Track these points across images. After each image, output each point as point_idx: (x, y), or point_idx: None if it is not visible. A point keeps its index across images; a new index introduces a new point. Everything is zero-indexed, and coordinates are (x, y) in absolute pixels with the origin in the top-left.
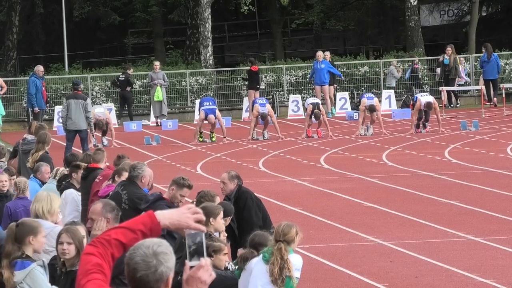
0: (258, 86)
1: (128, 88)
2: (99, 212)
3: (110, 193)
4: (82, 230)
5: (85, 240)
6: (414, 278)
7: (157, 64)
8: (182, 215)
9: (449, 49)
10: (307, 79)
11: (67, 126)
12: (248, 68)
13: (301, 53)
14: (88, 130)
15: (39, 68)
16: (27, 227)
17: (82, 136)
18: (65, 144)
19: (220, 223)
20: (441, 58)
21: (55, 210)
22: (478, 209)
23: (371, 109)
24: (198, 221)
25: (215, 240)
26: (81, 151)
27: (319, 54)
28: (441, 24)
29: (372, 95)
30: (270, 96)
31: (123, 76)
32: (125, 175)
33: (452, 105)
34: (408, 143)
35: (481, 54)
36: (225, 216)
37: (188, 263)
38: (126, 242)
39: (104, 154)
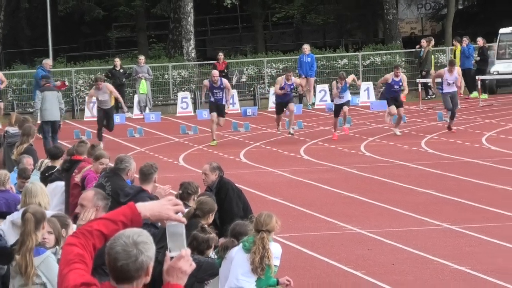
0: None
1: (124, 80)
2: (90, 199)
3: (94, 183)
4: (68, 219)
5: (68, 230)
6: (391, 266)
7: (142, 58)
8: (163, 206)
9: (423, 42)
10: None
11: (44, 117)
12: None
13: (282, 46)
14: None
15: (48, 62)
16: (40, 215)
17: (55, 128)
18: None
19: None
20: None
21: (49, 202)
22: (453, 198)
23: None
24: (179, 212)
25: (209, 232)
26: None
27: (305, 47)
28: (419, 17)
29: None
30: (252, 89)
31: (120, 68)
32: (104, 161)
33: (428, 97)
34: (385, 134)
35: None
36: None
37: (169, 254)
38: (108, 233)
39: (87, 146)
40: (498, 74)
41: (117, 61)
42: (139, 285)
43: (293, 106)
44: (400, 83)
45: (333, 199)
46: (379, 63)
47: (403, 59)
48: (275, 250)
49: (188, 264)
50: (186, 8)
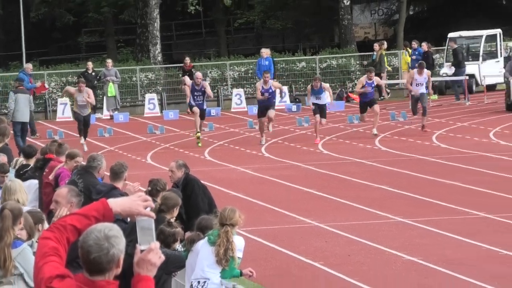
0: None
1: (96, 82)
2: (64, 195)
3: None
4: (43, 215)
5: (43, 225)
6: (347, 257)
7: (109, 61)
8: (133, 202)
9: (376, 46)
10: (255, 74)
11: (15, 118)
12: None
13: (244, 50)
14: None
15: (29, 66)
16: (17, 212)
17: (25, 128)
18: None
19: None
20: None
21: (27, 199)
22: (406, 193)
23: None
24: (148, 205)
25: (175, 226)
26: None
27: (263, 51)
28: (372, 22)
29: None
30: (215, 90)
31: (91, 71)
32: (79, 159)
33: (382, 97)
34: (342, 133)
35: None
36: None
37: (139, 247)
38: (81, 227)
39: (56, 144)
40: (447, 76)
41: (90, 64)
42: (111, 277)
43: (273, 113)
44: (373, 85)
45: (293, 195)
46: (335, 66)
47: (358, 62)
48: (238, 243)
49: (157, 257)
50: (153, 14)
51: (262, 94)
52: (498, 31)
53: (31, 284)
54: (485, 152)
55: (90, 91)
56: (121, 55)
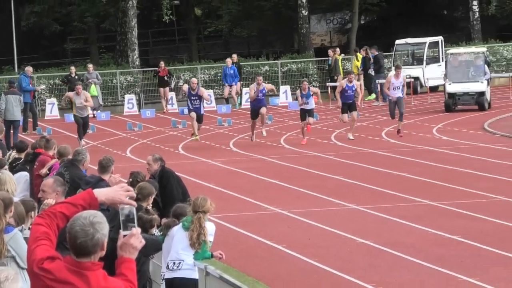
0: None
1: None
2: (50, 185)
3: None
4: (35, 203)
5: (35, 213)
6: (307, 240)
7: (90, 66)
8: (116, 192)
9: (330, 52)
10: (220, 79)
11: (5, 117)
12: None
13: (213, 55)
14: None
15: (29, 69)
16: (8, 201)
17: (16, 126)
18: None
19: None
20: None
21: (16, 189)
22: (359, 183)
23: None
24: (130, 197)
25: (151, 213)
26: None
27: (228, 60)
28: (328, 30)
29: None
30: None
31: (74, 74)
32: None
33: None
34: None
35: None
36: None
37: (122, 232)
38: (69, 214)
39: (44, 140)
40: (446, 71)
41: (72, 68)
42: (96, 259)
43: (265, 110)
44: (354, 88)
45: (258, 185)
46: (295, 70)
47: (315, 66)
48: (209, 228)
49: (138, 241)
50: (131, 23)
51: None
52: (439, 38)
53: (22, 265)
54: (429, 146)
55: (87, 94)
56: (103, 60)
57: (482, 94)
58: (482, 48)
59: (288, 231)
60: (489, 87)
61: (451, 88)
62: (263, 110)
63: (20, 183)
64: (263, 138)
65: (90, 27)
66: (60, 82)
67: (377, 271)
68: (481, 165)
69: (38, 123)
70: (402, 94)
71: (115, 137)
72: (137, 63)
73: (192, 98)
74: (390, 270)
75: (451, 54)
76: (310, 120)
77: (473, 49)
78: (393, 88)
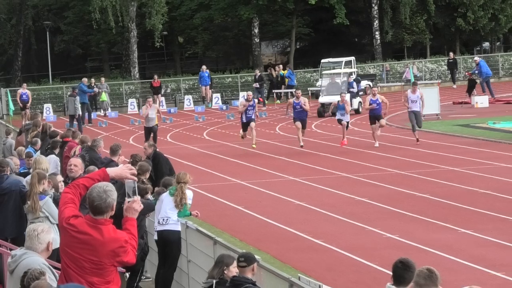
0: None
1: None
2: (79, 163)
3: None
4: (59, 177)
5: (60, 185)
6: (258, 202)
7: (102, 79)
8: (123, 170)
9: (271, 70)
10: (199, 84)
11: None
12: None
13: (191, 71)
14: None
15: (85, 79)
16: (42, 175)
17: (75, 118)
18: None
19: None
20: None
21: (48, 167)
22: (296, 161)
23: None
24: (133, 174)
25: (146, 183)
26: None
27: (203, 67)
28: (273, 52)
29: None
30: (173, 96)
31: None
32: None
33: (279, 101)
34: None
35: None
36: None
37: (127, 199)
38: (88, 186)
39: (73, 132)
40: (321, 87)
41: (85, 80)
42: (108, 217)
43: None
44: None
45: (224, 163)
46: (250, 81)
47: (266, 78)
48: (189, 194)
49: (138, 205)
50: (132, 48)
51: (295, 108)
52: (352, 58)
53: (53, 221)
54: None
55: (157, 106)
56: (112, 74)
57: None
58: (350, 70)
59: (246, 196)
60: (357, 99)
61: (323, 99)
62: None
63: (51, 163)
64: (227, 130)
65: (103, 51)
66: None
67: (309, 224)
68: (382, 149)
69: (65, 119)
70: (419, 108)
71: (121, 130)
72: (137, 76)
73: (248, 108)
74: (319, 223)
75: (325, 74)
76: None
77: (342, 70)
78: (411, 101)
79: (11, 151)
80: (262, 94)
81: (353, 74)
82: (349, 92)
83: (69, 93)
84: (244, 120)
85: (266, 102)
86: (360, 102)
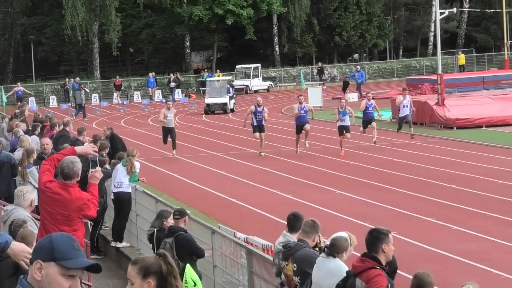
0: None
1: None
2: (50, 142)
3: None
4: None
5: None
6: (189, 171)
7: (77, 79)
8: (87, 148)
9: (203, 71)
10: (145, 86)
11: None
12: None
13: (139, 73)
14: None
15: (77, 79)
16: (30, 150)
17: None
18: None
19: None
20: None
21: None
22: (219, 141)
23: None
24: (94, 151)
25: (105, 157)
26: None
27: (150, 74)
28: (201, 60)
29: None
30: (126, 92)
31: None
32: (56, 128)
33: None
34: (187, 112)
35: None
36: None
37: (91, 170)
38: (61, 159)
39: (48, 118)
40: (206, 91)
41: (66, 79)
42: (74, 181)
43: (308, 126)
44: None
45: (159, 140)
46: (183, 81)
47: (194, 80)
48: (137, 165)
49: (99, 174)
50: (95, 56)
51: (255, 114)
52: (259, 65)
53: (36, 185)
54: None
55: (174, 110)
56: (80, 75)
57: (225, 104)
58: (228, 77)
59: (179, 166)
60: (232, 100)
61: (208, 100)
62: (307, 126)
63: (32, 141)
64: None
65: (73, 58)
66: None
67: (227, 187)
68: (281, 131)
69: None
70: (410, 111)
71: (113, 115)
72: (98, 77)
73: (258, 113)
74: (234, 187)
75: (209, 81)
76: (348, 135)
77: (222, 77)
78: (403, 106)
79: (3, 133)
80: (173, 93)
81: (230, 81)
82: (228, 95)
83: (76, 87)
84: (255, 124)
85: (175, 99)
86: (234, 103)
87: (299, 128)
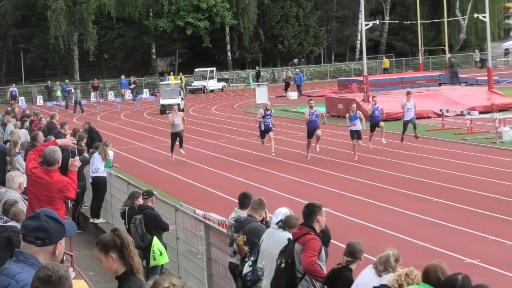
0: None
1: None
2: (42, 136)
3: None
4: (19, 145)
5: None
6: (155, 158)
7: (66, 81)
8: (67, 140)
9: (166, 75)
10: (118, 86)
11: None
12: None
13: (113, 76)
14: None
15: (66, 80)
16: (16, 141)
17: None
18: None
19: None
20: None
21: (19, 136)
22: (214, 141)
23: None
24: (73, 143)
25: (83, 147)
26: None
27: (122, 76)
28: (165, 65)
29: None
30: (101, 92)
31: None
32: (43, 121)
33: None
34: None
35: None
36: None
37: (70, 159)
38: (44, 150)
39: (35, 114)
40: (160, 93)
41: (49, 82)
42: (56, 167)
43: (320, 132)
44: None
45: (134, 134)
46: (150, 83)
47: (159, 82)
48: (110, 153)
49: (78, 163)
50: (75, 61)
51: (263, 117)
52: (214, 68)
53: (23, 171)
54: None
55: (182, 113)
56: (62, 78)
57: (178, 105)
58: (178, 81)
59: (148, 155)
60: (183, 101)
61: (162, 101)
62: (318, 132)
63: (22, 135)
64: (143, 118)
65: (56, 63)
66: (44, 88)
67: (189, 171)
68: (232, 124)
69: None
70: (414, 114)
71: (69, 113)
72: (78, 79)
73: (266, 117)
74: (196, 171)
75: (162, 84)
76: (360, 142)
77: (173, 81)
78: (407, 109)
79: None
80: (134, 93)
81: (180, 84)
82: (180, 96)
83: (65, 88)
84: (263, 128)
85: (136, 98)
86: (185, 103)
87: (311, 133)
